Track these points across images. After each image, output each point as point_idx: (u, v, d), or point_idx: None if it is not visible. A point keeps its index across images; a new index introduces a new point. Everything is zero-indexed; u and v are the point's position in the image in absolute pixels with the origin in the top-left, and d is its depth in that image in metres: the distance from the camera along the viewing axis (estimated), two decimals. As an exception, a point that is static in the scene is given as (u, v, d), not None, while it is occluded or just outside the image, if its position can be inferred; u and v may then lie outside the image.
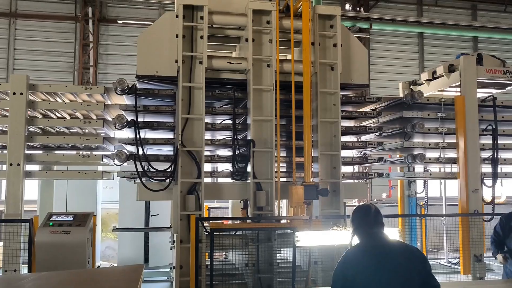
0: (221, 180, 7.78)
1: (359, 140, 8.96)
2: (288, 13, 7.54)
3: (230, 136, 7.47)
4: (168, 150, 7.61)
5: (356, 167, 9.43)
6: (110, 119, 7.92)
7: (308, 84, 7.05)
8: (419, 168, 9.31)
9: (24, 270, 6.73)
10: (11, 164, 6.74)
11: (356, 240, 3.58)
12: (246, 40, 7.32)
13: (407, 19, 17.83)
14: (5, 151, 7.20)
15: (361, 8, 17.48)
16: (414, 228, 9.96)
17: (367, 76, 8.17)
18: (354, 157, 8.72)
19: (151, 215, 11.64)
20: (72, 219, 6.30)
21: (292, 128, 7.18)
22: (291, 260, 6.44)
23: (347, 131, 7.89)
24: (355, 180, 8.19)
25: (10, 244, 6.41)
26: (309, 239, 5.50)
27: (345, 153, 8.45)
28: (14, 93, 6.82)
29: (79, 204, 10.70)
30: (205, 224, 6.48)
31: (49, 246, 5.97)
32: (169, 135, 7.68)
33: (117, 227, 8.64)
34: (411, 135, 8.40)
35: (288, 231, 6.83)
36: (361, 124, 8.67)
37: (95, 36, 16.03)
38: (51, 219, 6.31)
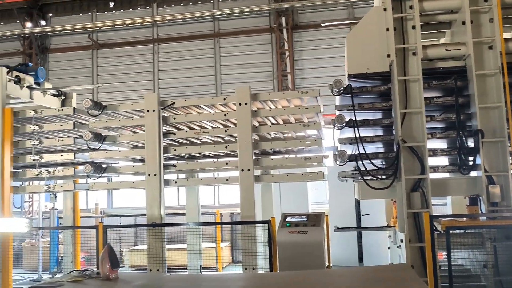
0: (433, 175, 7.23)
1: None
2: (504, -13, 6.86)
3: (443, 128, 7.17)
4: (369, 147, 7.44)
5: None
6: (319, 121, 8.07)
7: (546, 63, 6.31)
8: None
9: (259, 268, 7.18)
10: (242, 170, 7.27)
11: None
12: (463, 23, 6.81)
13: None
14: (233, 159, 7.80)
15: None
16: None
17: None
18: None
19: (363, 215, 11.60)
20: (306, 219, 6.53)
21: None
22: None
23: None
24: None
25: (248, 243, 6.90)
26: None
27: None
28: (240, 104, 7.37)
29: (292, 205, 11.22)
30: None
31: (289, 245, 6.25)
32: (377, 132, 7.54)
33: (338, 227, 8.75)
34: None
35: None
36: None
37: (289, 43, 16.69)
38: (287, 219, 6.63)
